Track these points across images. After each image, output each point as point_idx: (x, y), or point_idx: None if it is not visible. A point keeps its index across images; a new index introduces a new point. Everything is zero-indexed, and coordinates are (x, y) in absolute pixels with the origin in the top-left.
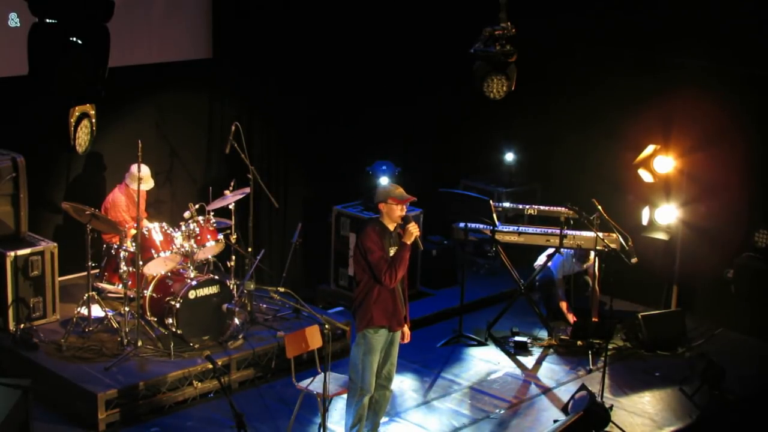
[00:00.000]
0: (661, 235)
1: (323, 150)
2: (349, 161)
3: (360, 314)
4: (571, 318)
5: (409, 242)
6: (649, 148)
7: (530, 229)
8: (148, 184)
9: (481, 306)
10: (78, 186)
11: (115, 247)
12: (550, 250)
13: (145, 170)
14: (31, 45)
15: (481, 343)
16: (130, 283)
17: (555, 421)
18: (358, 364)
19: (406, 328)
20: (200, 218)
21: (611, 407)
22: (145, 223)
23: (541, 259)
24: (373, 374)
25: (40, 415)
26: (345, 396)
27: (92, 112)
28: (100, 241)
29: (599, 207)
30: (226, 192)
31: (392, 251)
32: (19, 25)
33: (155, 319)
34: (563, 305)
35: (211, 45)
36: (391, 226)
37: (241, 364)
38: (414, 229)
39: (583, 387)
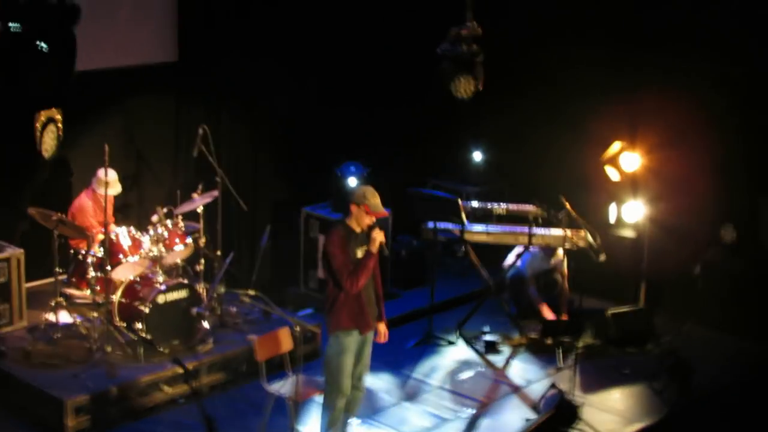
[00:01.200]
0: (628, 232)
1: (291, 151)
2: (318, 162)
3: (329, 318)
4: (549, 314)
5: (374, 250)
6: (616, 146)
7: (499, 228)
8: (116, 188)
9: (451, 306)
10: (44, 191)
11: (83, 252)
12: (519, 249)
13: (113, 174)
14: None
15: (451, 343)
16: (98, 288)
17: (526, 420)
18: (332, 366)
19: (382, 327)
20: (168, 222)
21: (581, 405)
22: (113, 227)
23: (510, 258)
24: (348, 375)
25: (8, 423)
26: (316, 398)
27: (58, 117)
28: (68, 246)
29: (567, 205)
30: (195, 195)
31: (359, 252)
32: None
33: (124, 325)
34: (538, 303)
35: (177, 48)
36: (358, 229)
37: (212, 368)
38: (379, 236)
39: (553, 385)
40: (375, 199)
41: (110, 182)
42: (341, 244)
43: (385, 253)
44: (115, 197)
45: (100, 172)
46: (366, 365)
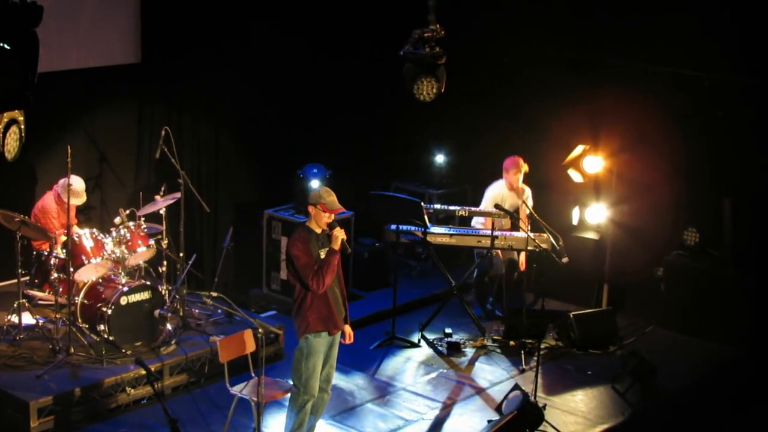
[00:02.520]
0: (591, 235)
1: (254, 153)
2: (280, 164)
3: (298, 321)
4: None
5: (336, 247)
6: (579, 149)
7: (462, 231)
8: (81, 198)
9: (413, 308)
10: (6, 193)
11: (45, 254)
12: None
13: (81, 184)
14: None
15: (414, 345)
16: (61, 290)
17: (489, 422)
18: (301, 369)
19: (348, 329)
20: (131, 224)
21: (545, 406)
22: (75, 229)
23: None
24: (317, 378)
25: None
26: (280, 400)
27: (21, 119)
28: (30, 248)
29: (530, 207)
30: (157, 197)
31: (322, 254)
32: None
33: (87, 326)
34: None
35: (140, 49)
36: (318, 230)
37: (174, 370)
38: (340, 233)
39: (516, 387)
40: (330, 197)
41: (77, 191)
42: (303, 246)
43: (347, 251)
44: None
45: (63, 180)
46: (333, 367)
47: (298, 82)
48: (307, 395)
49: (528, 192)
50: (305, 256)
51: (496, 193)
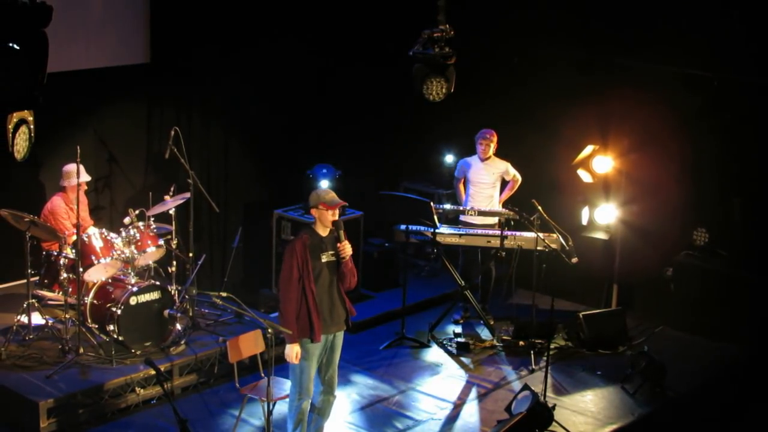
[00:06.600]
0: (600, 235)
1: (264, 154)
2: (290, 164)
3: None
4: None
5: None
6: (588, 149)
7: (471, 231)
8: (84, 176)
9: (423, 308)
10: (16, 193)
11: (55, 254)
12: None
13: (72, 165)
14: None
15: (423, 345)
16: (70, 290)
17: (499, 422)
18: (296, 369)
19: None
20: (140, 224)
21: (554, 406)
22: (91, 229)
23: None
24: (311, 379)
25: None
26: (288, 400)
27: (30, 119)
28: (40, 248)
29: (539, 207)
30: (167, 197)
31: (324, 257)
32: None
33: (96, 326)
34: None
35: (149, 50)
36: (325, 232)
37: (184, 370)
38: (345, 247)
39: (525, 387)
40: (329, 195)
41: (70, 172)
42: (300, 250)
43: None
44: (88, 199)
45: (64, 168)
46: (335, 371)
47: (308, 82)
48: (303, 394)
49: (506, 167)
50: (290, 259)
51: (463, 163)
